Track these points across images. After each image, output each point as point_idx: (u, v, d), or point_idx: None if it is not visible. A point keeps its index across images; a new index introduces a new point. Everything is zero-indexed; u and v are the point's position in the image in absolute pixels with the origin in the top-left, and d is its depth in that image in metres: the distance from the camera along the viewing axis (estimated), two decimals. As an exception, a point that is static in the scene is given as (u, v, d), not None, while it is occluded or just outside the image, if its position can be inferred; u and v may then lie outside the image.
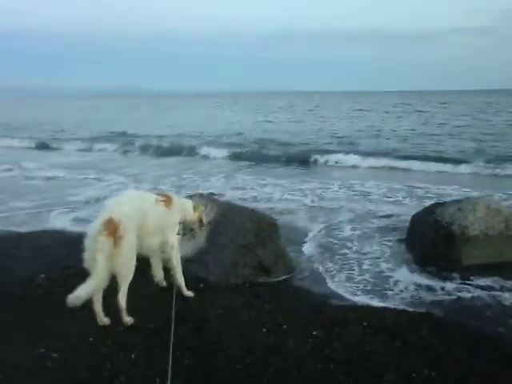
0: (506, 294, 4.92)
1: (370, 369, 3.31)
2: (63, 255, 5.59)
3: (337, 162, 15.20)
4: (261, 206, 8.04)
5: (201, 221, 4.52)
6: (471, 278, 5.30)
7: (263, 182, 11.76)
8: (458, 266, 5.52)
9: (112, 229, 3.49)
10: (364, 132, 24.39)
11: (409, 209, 8.17)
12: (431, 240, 5.87)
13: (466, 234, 5.59)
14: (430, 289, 5.11)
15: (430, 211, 6.22)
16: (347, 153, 15.87)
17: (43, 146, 22.05)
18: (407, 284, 5.22)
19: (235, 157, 17.05)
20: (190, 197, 4.56)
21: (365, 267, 5.69)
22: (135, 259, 3.73)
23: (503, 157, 14.91)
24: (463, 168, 13.44)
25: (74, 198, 10.10)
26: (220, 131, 25.67)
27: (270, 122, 33.32)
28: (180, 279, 4.29)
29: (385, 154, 16.11)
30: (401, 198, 9.54)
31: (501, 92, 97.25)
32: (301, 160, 15.81)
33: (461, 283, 5.21)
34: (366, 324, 4.01)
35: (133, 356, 3.38)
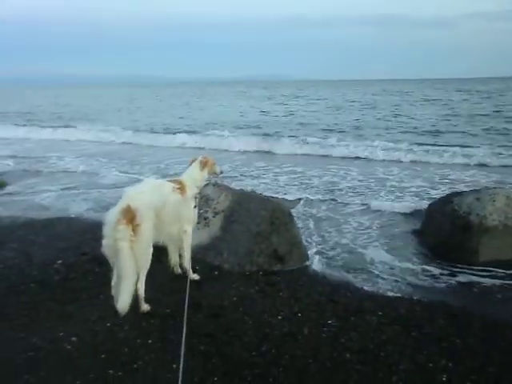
0: (524, 286, 4.84)
1: (386, 358, 3.31)
2: (79, 241, 5.68)
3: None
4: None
5: (215, 173, 4.65)
6: (488, 268, 5.22)
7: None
8: (474, 256, 5.43)
9: (130, 217, 3.52)
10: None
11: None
12: (448, 230, 5.77)
13: (484, 225, 5.47)
14: (445, 279, 5.05)
15: (447, 201, 6.11)
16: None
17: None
18: (423, 274, 5.17)
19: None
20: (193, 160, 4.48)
21: (379, 258, 5.63)
22: (152, 247, 3.77)
23: None
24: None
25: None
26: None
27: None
28: (187, 262, 4.36)
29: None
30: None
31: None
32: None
33: (477, 274, 5.14)
34: (381, 313, 4.01)
35: (150, 341, 3.43)
